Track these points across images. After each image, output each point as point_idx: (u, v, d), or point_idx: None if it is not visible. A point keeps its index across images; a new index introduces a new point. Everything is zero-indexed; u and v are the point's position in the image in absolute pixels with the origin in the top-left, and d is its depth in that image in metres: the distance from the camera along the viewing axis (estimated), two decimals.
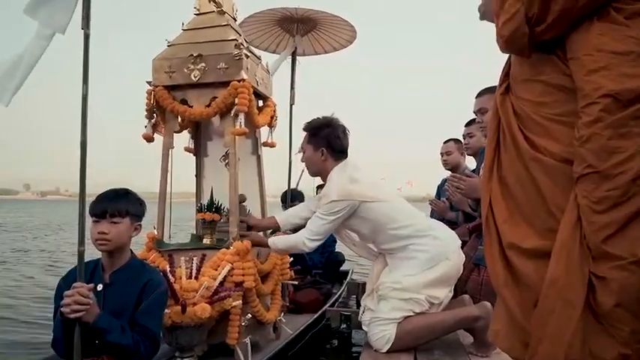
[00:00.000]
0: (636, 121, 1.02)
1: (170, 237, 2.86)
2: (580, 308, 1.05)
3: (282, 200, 4.29)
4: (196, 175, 3.04)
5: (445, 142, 4.00)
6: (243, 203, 2.76)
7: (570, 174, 1.09)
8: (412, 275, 2.38)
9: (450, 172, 3.92)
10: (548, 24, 1.12)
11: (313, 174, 2.72)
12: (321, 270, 4.46)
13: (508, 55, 1.31)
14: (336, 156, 2.58)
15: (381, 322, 2.36)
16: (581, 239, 1.07)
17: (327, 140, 2.56)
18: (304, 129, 2.66)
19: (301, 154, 2.71)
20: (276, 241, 2.62)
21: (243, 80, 2.54)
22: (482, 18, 1.40)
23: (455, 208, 3.47)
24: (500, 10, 1.19)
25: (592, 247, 1.05)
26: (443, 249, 2.42)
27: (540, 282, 1.12)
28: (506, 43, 1.21)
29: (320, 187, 5.42)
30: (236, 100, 2.52)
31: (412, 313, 2.34)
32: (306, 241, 2.48)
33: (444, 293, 2.43)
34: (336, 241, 5.25)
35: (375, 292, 2.50)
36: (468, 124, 3.72)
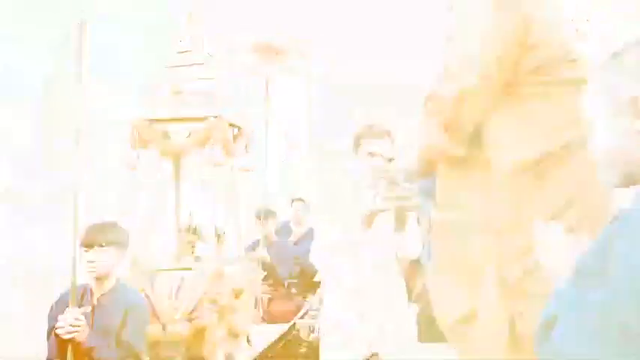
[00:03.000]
0: None
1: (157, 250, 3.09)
2: None
3: (257, 217, 4.51)
4: (176, 200, 3.28)
5: None
6: None
7: None
8: None
9: None
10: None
11: None
12: (295, 280, 4.68)
13: None
14: None
15: None
16: None
17: None
18: None
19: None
20: None
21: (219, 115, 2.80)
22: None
23: None
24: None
25: None
26: None
27: None
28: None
29: (299, 200, 5.64)
30: (212, 133, 2.78)
31: None
32: None
33: None
34: (309, 251, 5.46)
35: None
36: None
